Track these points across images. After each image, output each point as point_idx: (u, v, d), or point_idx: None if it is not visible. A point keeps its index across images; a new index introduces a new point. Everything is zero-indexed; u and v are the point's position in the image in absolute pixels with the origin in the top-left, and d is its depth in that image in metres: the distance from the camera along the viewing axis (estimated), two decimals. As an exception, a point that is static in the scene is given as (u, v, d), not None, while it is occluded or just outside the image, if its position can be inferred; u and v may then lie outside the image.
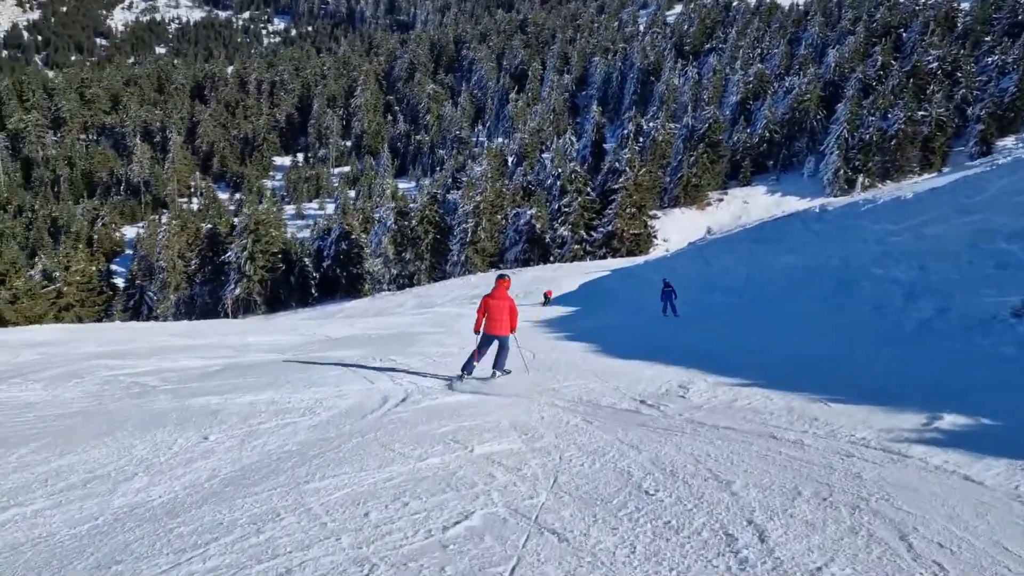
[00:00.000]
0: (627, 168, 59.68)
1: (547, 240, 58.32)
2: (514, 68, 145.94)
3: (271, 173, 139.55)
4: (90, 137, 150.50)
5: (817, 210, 25.84)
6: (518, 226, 58.99)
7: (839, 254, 19.97)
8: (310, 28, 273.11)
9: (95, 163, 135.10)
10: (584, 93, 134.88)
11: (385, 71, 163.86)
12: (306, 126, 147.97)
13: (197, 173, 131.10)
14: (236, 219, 64.45)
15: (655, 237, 59.79)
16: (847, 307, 15.86)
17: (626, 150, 62.80)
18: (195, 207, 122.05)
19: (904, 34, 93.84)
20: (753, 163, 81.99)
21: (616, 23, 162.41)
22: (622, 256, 54.41)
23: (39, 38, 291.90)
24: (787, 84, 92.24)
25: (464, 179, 57.95)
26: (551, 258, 57.78)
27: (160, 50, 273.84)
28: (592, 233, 58.78)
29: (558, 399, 7.83)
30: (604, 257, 56.25)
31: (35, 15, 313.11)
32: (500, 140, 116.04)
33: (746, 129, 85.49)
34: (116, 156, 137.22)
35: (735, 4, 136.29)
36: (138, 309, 65.73)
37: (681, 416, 6.80)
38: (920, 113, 68.81)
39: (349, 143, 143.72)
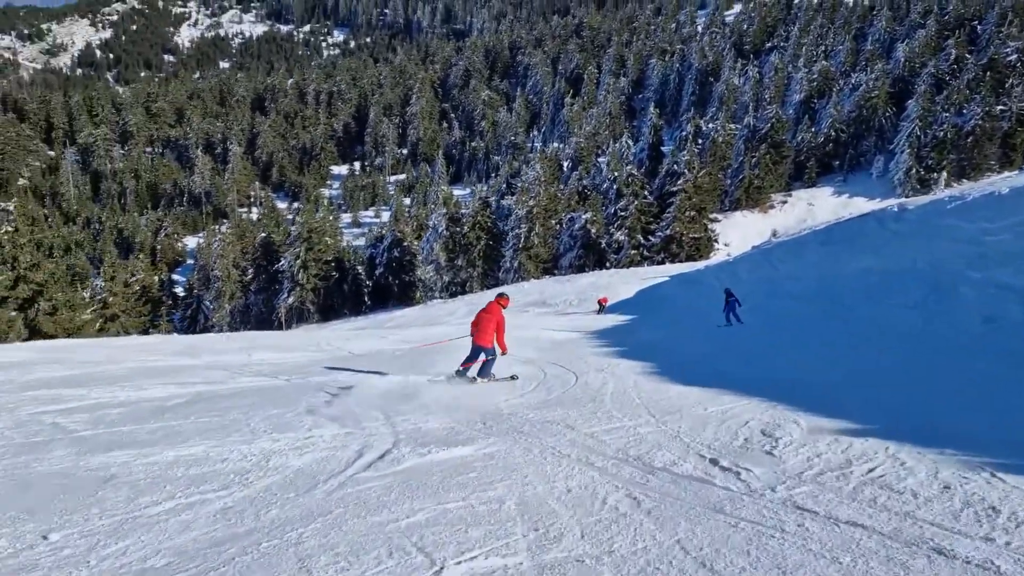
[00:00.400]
0: (686, 170, 57.50)
1: (603, 245, 56.53)
2: (569, 72, 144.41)
3: (328, 182, 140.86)
4: (155, 150, 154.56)
5: (895, 208, 23.52)
6: (573, 231, 57.37)
7: (925, 256, 17.77)
8: (368, 39, 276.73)
9: (159, 175, 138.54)
10: (641, 96, 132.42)
11: (441, 79, 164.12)
12: (363, 135, 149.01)
13: (256, 183, 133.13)
14: (292, 227, 64.44)
15: (716, 241, 57.40)
16: (947, 317, 13.78)
17: (685, 152, 60.60)
18: (254, 217, 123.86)
19: (979, 26, 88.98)
20: (818, 163, 78.61)
21: (673, 24, 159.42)
22: (681, 261, 52.26)
23: (110, 56, 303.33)
24: (853, 81, 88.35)
25: (518, 184, 56.72)
26: (607, 264, 55.94)
27: (224, 64, 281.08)
28: (650, 238, 56.77)
29: (595, 454, 5.88)
30: (662, 262, 54.18)
31: (107, 34, 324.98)
32: (555, 145, 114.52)
33: (810, 128, 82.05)
34: (179, 168, 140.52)
35: (796, 1, 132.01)
36: (195, 318, 66.31)
37: (775, 494, 4.69)
38: (999, 108, 64.74)
39: (405, 151, 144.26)
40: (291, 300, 61.56)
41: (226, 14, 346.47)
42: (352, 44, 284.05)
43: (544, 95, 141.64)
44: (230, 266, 64.46)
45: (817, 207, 71.38)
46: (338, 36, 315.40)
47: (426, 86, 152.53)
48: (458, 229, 55.18)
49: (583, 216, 56.67)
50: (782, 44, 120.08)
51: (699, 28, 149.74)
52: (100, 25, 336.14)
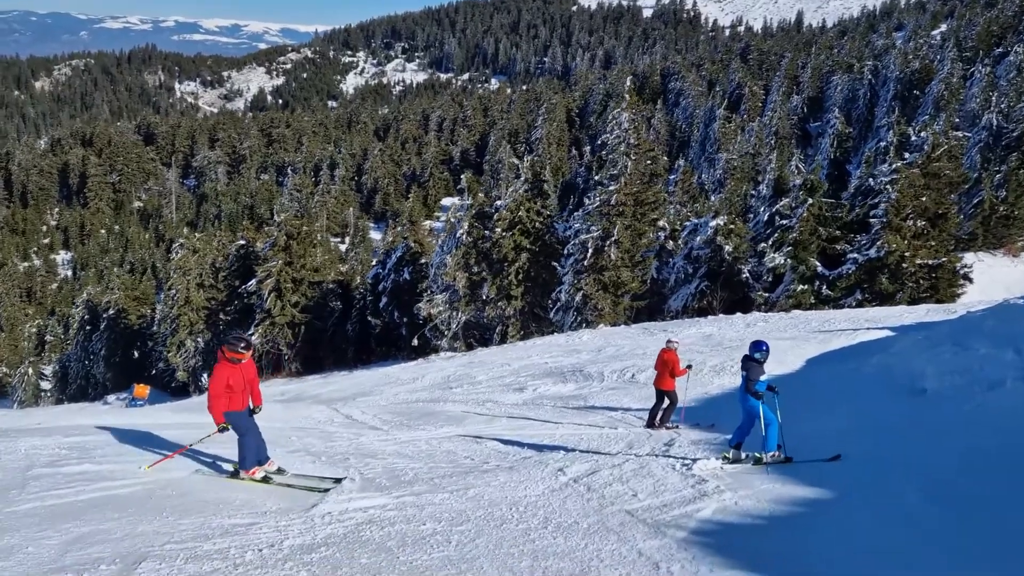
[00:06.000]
0: (887, 187, 31.47)
1: (744, 275, 31.21)
2: (729, 93, 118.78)
3: (437, 214, 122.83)
4: (271, 175, 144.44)
5: None
6: (692, 249, 32.52)
7: None
8: (524, 88, 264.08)
9: (257, 199, 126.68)
10: (816, 121, 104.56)
11: (580, 106, 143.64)
12: (482, 164, 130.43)
13: (351, 210, 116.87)
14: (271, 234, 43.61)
15: (966, 277, 30.34)
16: None
17: (886, 165, 34.47)
18: (343, 246, 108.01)
19: None
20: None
21: (864, 44, 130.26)
22: (898, 305, 26.02)
23: (280, 101, 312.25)
24: None
25: (600, 181, 32.37)
26: (752, 306, 30.60)
27: (383, 110, 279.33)
28: (838, 265, 30.82)
29: None
30: (860, 304, 28.20)
31: (279, 81, 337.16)
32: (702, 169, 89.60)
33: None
34: (279, 192, 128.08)
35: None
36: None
37: None
38: None
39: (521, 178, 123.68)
40: (255, 338, 40.42)
41: (391, 63, 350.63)
42: (509, 91, 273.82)
43: (696, 119, 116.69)
44: (188, 287, 44.59)
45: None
46: (495, 84, 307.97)
47: (559, 111, 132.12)
48: (487, 231, 31.88)
49: (711, 222, 31.74)
50: (1018, 49, 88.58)
51: (897, 42, 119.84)
52: (274, 72, 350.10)
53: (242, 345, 7.68)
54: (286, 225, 41.05)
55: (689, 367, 12.08)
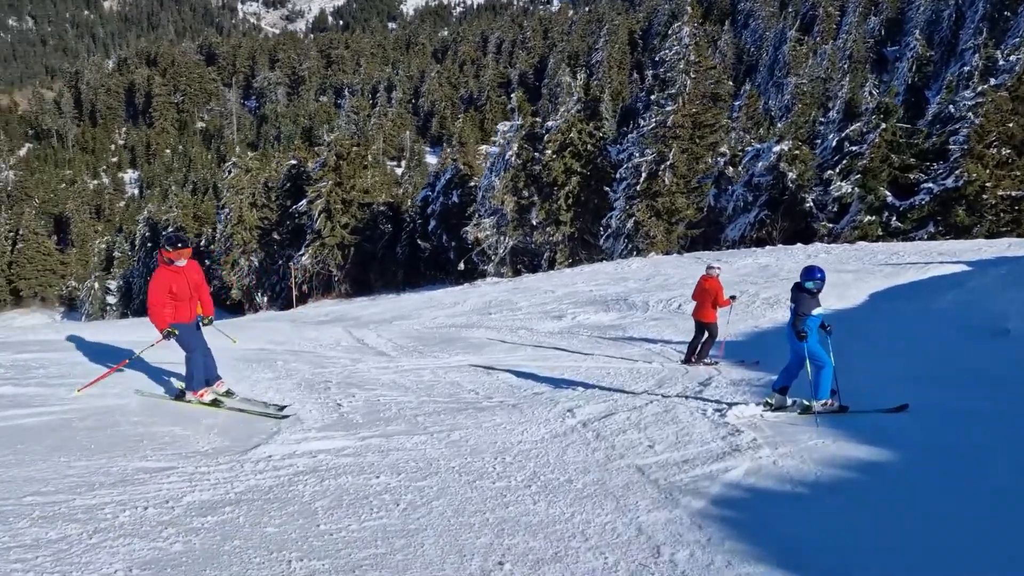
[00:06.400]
0: (969, 113, 28.83)
1: (807, 204, 29.52)
2: (803, 13, 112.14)
3: (493, 138, 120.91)
4: (330, 97, 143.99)
5: None
6: (753, 176, 30.86)
7: None
8: (587, 9, 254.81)
9: (316, 120, 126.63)
10: (895, 44, 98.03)
11: (643, 28, 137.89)
12: (540, 87, 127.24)
13: (407, 133, 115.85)
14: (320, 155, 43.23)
15: (1053, 211, 28.13)
16: None
17: (969, 90, 31.48)
18: (399, 170, 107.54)
19: None
20: None
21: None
22: (974, 238, 24.19)
23: (340, 22, 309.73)
24: None
25: (657, 100, 30.41)
26: (814, 236, 29.03)
27: (443, 32, 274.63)
28: (910, 196, 28.83)
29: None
30: (933, 237, 26.39)
31: (340, 2, 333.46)
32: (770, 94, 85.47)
33: None
34: (336, 113, 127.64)
35: None
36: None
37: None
38: None
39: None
40: (305, 259, 40.71)
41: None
42: (571, 13, 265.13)
43: (765, 41, 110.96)
44: (243, 205, 44.77)
45: None
46: (556, 4, 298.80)
47: (621, 32, 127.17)
48: (536, 154, 30.63)
49: (774, 148, 29.91)
50: None
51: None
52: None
53: (179, 244, 6.62)
54: (336, 145, 40.56)
55: (733, 298, 10.83)
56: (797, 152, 30.21)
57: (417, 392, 8.58)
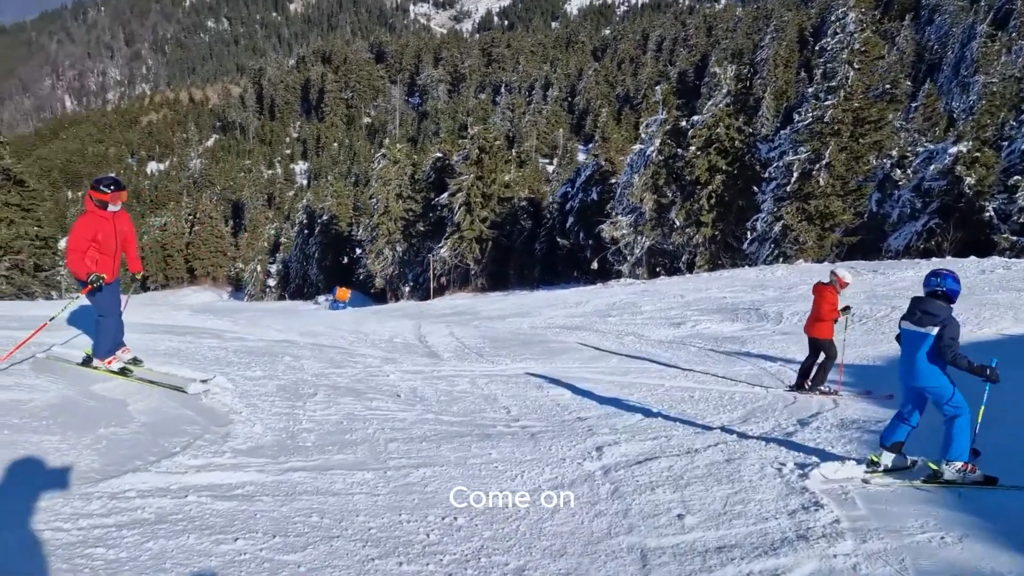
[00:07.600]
0: None
1: (987, 213, 26.08)
2: (997, 7, 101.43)
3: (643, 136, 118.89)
4: (488, 94, 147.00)
5: None
6: (923, 180, 27.72)
7: None
8: (756, 6, 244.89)
9: (474, 117, 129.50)
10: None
11: (815, 25, 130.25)
12: (700, 86, 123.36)
13: (561, 131, 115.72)
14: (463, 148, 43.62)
15: None
16: None
17: None
18: (551, 168, 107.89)
19: None
20: None
21: None
22: None
23: (505, 22, 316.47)
24: None
25: (815, 93, 27.89)
26: (993, 249, 25.64)
27: (606, 31, 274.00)
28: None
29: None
30: None
31: (506, 2, 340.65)
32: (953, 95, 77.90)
33: None
34: (494, 109, 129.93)
35: None
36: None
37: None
38: None
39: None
40: (444, 251, 41.22)
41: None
42: (739, 11, 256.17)
43: (951, 38, 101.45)
44: (389, 197, 45.97)
45: None
46: (723, 2, 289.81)
47: (790, 29, 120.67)
48: (680, 150, 28.91)
49: (950, 150, 26.65)
50: None
51: None
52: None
53: (113, 186, 5.72)
54: (478, 138, 40.68)
55: (846, 309, 8.73)
56: (978, 155, 26.79)
57: (428, 406, 7.26)
